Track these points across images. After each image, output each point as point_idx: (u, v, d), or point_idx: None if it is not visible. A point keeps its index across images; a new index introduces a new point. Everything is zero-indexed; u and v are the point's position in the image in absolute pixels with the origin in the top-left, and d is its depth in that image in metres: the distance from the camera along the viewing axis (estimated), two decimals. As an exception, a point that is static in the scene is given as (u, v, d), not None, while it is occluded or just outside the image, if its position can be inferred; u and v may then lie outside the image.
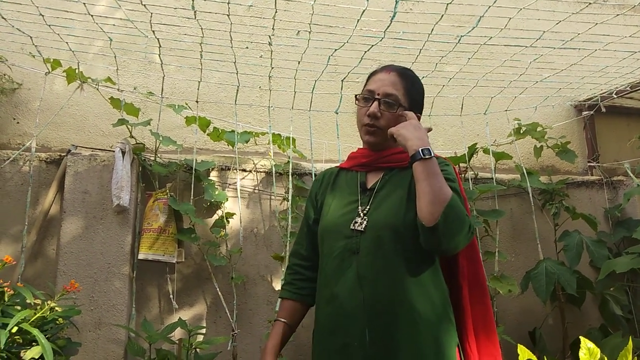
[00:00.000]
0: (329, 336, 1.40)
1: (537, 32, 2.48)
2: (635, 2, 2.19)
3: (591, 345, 1.34)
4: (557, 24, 2.38)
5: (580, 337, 1.35)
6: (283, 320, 1.52)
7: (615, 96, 3.34)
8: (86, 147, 2.74)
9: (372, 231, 1.38)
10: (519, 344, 1.48)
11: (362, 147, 1.59)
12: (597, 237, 3.05)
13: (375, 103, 1.45)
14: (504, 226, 3.16)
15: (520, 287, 2.86)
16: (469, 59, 2.75)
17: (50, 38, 2.43)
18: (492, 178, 3.16)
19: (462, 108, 3.22)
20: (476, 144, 3.15)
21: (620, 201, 3.30)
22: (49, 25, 2.29)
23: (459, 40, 2.50)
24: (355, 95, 1.53)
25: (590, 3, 2.17)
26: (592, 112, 3.59)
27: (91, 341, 2.38)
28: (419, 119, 1.50)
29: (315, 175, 2.90)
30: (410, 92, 1.49)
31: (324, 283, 1.45)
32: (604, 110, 3.46)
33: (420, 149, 1.31)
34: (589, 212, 3.17)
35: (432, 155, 1.31)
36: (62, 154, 2.67)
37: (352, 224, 1.41)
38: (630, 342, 1.34)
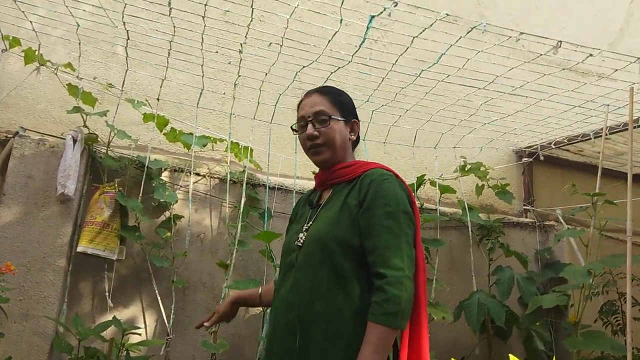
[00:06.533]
0: (268, 342, 1.50)
1: (490, 76, 2.67)
2: (577, 59, 2.40)
3: (520, 363, 1.42)
4: (509, 70, 2.57)
5: (509, 355, 1.43)
6: (260, 290, 1.74)
7: (553, 147, 3.60)
8: (35, 132, 2.64)
9: (306, 245, 1.45)
10: (452, 359, 1.55)
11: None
12: (527, 274, 3.24)
13: (310, 125, 1.51)
14: (442, 256, 3.29)
15: (453, 315, 2.97)
16: (426, 93, 2.90)
17: (13, 14, 2.36)
18: (436, 209, 3.30)
19: (414, 140, 3.37)
20: (424, 175, 3.29)
21: (550, 244, 3.52)
22: (15, 1, 2.23)
23: (420, 73, 2.64)
24: (292, 127, 1.60)
25: (541, 54, 2.37)
26: (531, 160, 3.85)
27: (15, 333, 2.25)
28: (356, 124, 1.58)
29: (268, 187, 2.92)
30: (337, 101, 1.56)
31: (274, 295, 1.55)
32: (542, 158, 3.72)
33: None
34: (522, 251, 3.36)
35: None
36: (8, 135, 2.56)
37: (296, 240, 1.49)
38: (556, 362, 1.44)
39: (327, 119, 1.51)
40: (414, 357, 1.39)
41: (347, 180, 1.53)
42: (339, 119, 1.54)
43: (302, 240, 1.46)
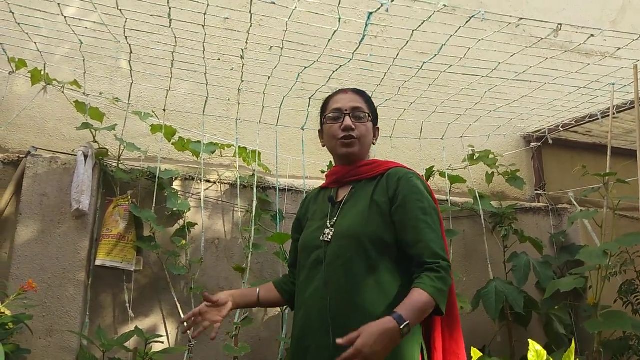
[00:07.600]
0: (297, 340, 1.51)
1: (493, 64, 2.66)
2: (579, 40, 2.39)
3: (539, 347, 1.43)
4: (511, 56, 2.57)
5: (529, 339, 1.44)
6: (258, 290, 1.68)
7: (561, 129, 3.58)
8: (46, 150, 2.69)
9: (337, 240, 1.46)
10: (472, 347, 1.56)
11: (335, 164, 1.69)
12: (543, 259, 3.22)
13: (347, 117, 1.55)
14: (457, 246, 3.29)
15: (472, 305, 2.97)
16: (430, 85, 2.90)
17: (18, 37, 2.40)
18: (447, 200, 3.30)
19: (421, 132, 3.37)
20: (433, 167, 3.29)
21: (564, 227, 3.50)
22: (19, 24, 2.26)
23: (422, 66, 2.65)
24: (324, 116, 1.63)
25: (542, 38, 2.36)
26: (539, 144, 3.83)
27: (41, 349, 2.29)
28: (378, 130, 1.68)
29: (279, 189, 2.94)
30: (370, 104, 1.65)
31: (297, 292, 1.56)
32: (550, 142, 3.70)
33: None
34: (536, 236, 3.35)
35: (406, 322, 1.25)
36: (21, 156, 2.60)
37: (321, 236, 1.49)
38: (574, 344, 1.44)
39: (364, 116, 1.58)
40: (452, 344, 1.42)
41: (367, 177, 1.55)
42: (372, 120, 1.59)
43: (329, 236, 1.48)
